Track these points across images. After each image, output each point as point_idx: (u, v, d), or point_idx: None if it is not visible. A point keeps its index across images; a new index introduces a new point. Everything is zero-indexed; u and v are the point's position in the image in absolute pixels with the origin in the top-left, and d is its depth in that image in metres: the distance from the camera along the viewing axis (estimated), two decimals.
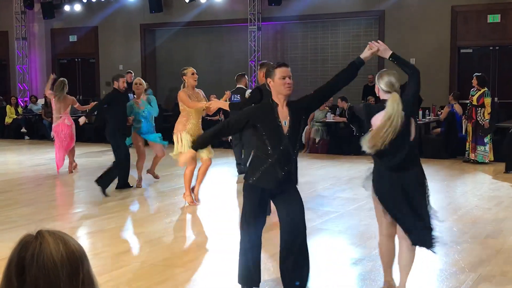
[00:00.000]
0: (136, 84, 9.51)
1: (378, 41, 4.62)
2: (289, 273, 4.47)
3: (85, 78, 20.06)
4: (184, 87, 8.08)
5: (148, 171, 9.82)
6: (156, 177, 9.98)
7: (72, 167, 11.28)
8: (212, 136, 4.67)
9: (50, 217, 7.63)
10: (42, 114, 17.60)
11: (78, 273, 1.56)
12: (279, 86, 4.35)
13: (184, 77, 8.06)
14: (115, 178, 9.10)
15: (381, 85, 4.41)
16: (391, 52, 4.47)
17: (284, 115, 4.36)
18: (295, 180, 4.62)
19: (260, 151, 4.39)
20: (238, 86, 10.52)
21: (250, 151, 4.68)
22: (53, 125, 11.11)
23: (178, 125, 8.07)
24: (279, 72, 4.37)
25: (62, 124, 10.87)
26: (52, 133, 11.20)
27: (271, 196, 4.49)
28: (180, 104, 8.09)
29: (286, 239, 4.45)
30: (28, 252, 1.54)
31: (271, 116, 4.34)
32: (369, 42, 4.57)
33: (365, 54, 4.51)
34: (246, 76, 10.93)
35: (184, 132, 7.95)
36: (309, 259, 4.52)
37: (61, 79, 11.14)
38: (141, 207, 8.27)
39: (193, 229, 7.11)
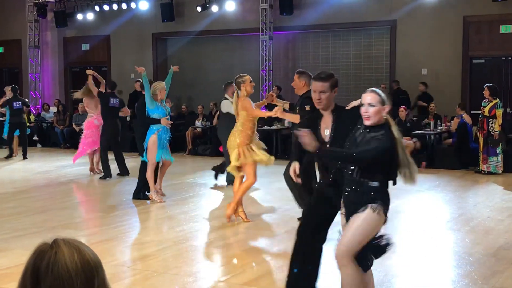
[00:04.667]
0: None
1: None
2: None
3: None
4: (238, 96, 7.31)
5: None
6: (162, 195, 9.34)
7: (96, 168, 11.81)
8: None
9: (61, 224, 7.64)
10: (54, 121, 17.70)
11: (93, 283, 1.56)
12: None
13: (242, 85, 7.30)
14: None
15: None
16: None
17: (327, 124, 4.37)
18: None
19: None
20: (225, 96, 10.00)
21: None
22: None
23: (243, 138, 7.20)
24: (312, 85, 4.47)
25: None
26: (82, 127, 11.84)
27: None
28: (241, 113, 7.26)
29: None
30: (43, 261, 1.54)
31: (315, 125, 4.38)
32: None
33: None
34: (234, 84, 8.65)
35: (251, 145, 7.20)
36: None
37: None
38: (152, 215, 8.28)
39: (204, 238, 7.10)
